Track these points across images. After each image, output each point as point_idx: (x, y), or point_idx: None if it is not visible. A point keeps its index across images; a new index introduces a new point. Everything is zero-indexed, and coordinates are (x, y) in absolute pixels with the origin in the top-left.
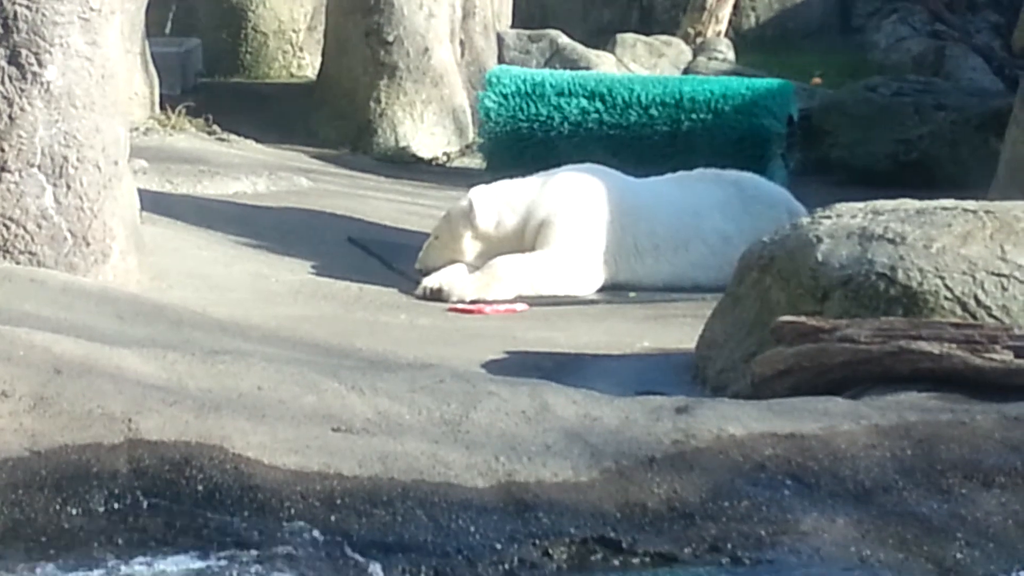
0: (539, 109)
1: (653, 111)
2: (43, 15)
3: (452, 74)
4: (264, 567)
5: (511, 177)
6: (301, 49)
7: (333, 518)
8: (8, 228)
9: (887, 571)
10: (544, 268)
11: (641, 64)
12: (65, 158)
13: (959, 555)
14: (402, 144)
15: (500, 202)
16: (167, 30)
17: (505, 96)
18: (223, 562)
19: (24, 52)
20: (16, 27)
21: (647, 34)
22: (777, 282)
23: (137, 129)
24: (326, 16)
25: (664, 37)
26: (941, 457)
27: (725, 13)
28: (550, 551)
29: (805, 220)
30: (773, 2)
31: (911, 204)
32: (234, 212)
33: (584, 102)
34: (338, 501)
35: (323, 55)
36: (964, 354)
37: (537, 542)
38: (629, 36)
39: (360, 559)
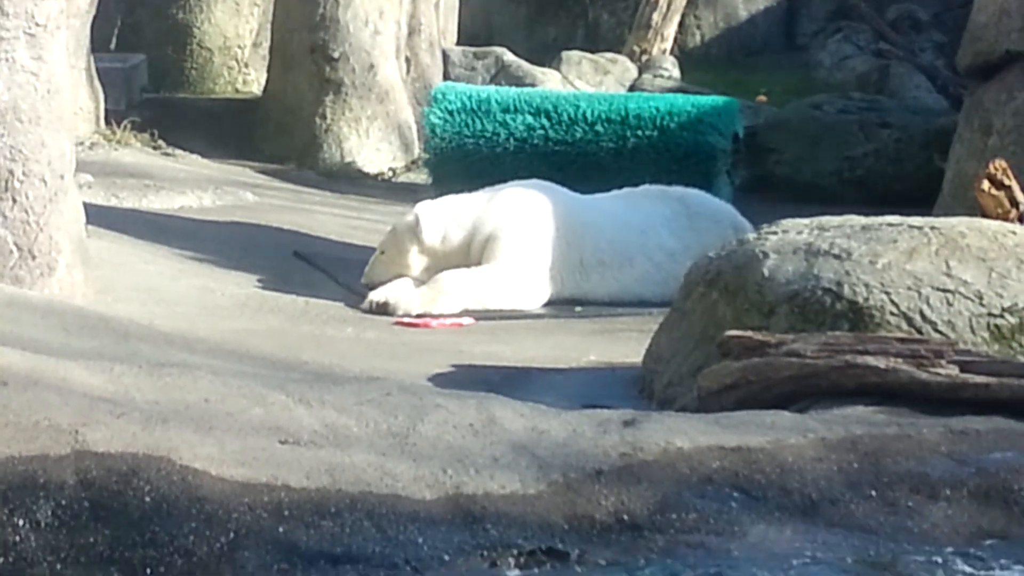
0: (485, 125)
1: (599, 128)
2: None
3: (398, 90)
4: None
5: (457, 192)
6: (246, 65)
7: (281, 529)
8: None
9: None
10: (490, 282)
11: (587, 81)
12: (11, 172)
13: (906, 567)
14: (348, 159)
15: (446, 217)
16: (112, 46)
17: (451, 112)
18: None
19: None
20: None
21: (592, 51)
22: (723, 297)
23: (83, 144)
24: (271, 32)
25: (609, 55)
26: (888, 470)
27: (670, 31)
28: (498, 562)
29: (751, 236)
30: (718, 20)
31: (857, 220)
32: (180, 226)
33: (530, 119)
34: (286, 513)
35: (268, 71)
36: (910, 368)
37: (485, 553)
38: (575, 53)
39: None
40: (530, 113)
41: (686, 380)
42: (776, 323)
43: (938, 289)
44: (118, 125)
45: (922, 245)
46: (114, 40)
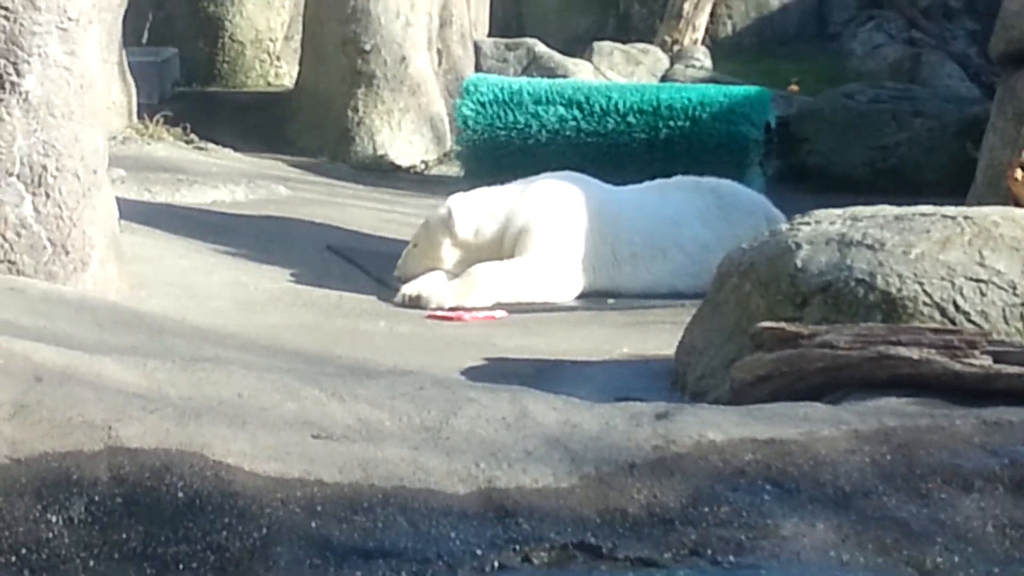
0: (517, 117)
1: (631, 119)
2: (21, 25)
3: (430, 83)
4: None
5: (489, 185)
6: (278, 58)
7: (313, 524)
8: None
9: (867, 575)
10: (523, 275)
11: (618, 72)
12: (44, 167)
13: (939, 559)
14: (380, 152)
15: (479, 210)
16: (144, 40)
17: (483, 104)
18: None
19: (2, 62)
20: None
21: (624, 42)
22: (756, 288)
23: (115, 138)
24: (303, 25)
25: (641, 45)
26: (921, 462)
27: (702, 21)
28: (530, 557)
29: (784, 227)
30: (750, 10)
31: (890, 210)
32: (213, 220)
33: (562, 110)
34: (319, 508)
35: (300, 64)
36: (943, 359)
37: (517, 548)
38: (606, 44)
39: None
40: (562, 104)
41: (719, 372)
42: (809, 314)
43: (971, 279)
44: (150, 119)
45: (955, 235)
46: (146, 34)
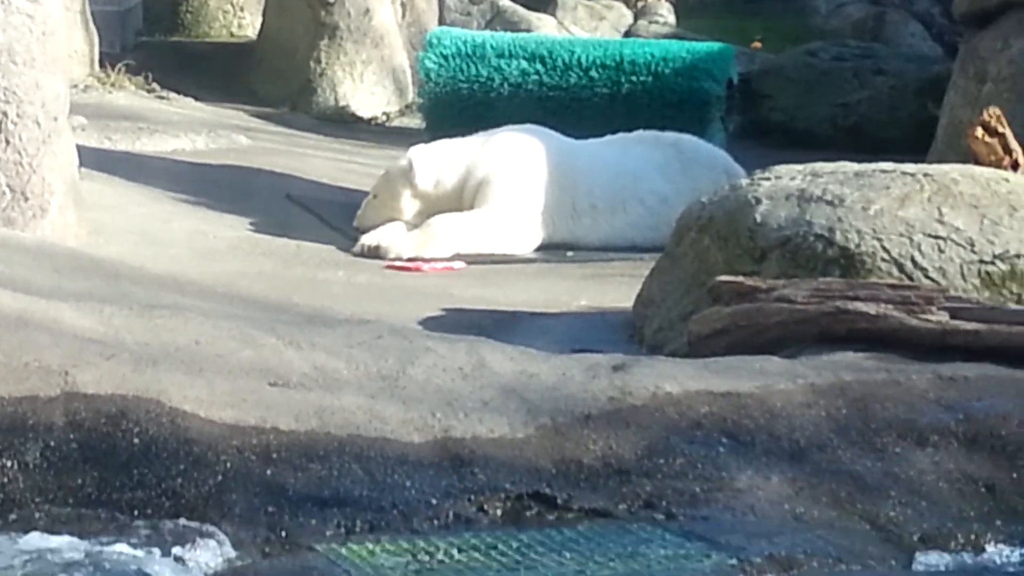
0: (479, 70)
1: (593, 73)
2: None
3: (393, 35)
4: (201, 525)
5: (450, 137)
6: (242, 8)
7: (269, 472)
8: None
9: (820, 528)
10: (482, 227)
11: (582, 27)
12: (4, 114)
13: (892, 513)
14: (342, 103)
15: (439, 161)
16: None
17: (445, 57)
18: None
19: None
20: None
21: None
22: (715, 242)
23: (76, 86)
24: None
25: (605, 1)
26: (876, 416)
27: None
28: (485, 507)
29: (744, 182)
30: None
31: (850, 167)
32: (173, 169)
33: (524, 64)
34: (274, 455)
35: (264, 14)
36: (900, 315)
37: (472, 497)
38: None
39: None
40: (525, 58)
41: (676, 325)
42: (767, 269)
43: (930, 236)
44: (112, 68)
45: (915, 192)
46: None
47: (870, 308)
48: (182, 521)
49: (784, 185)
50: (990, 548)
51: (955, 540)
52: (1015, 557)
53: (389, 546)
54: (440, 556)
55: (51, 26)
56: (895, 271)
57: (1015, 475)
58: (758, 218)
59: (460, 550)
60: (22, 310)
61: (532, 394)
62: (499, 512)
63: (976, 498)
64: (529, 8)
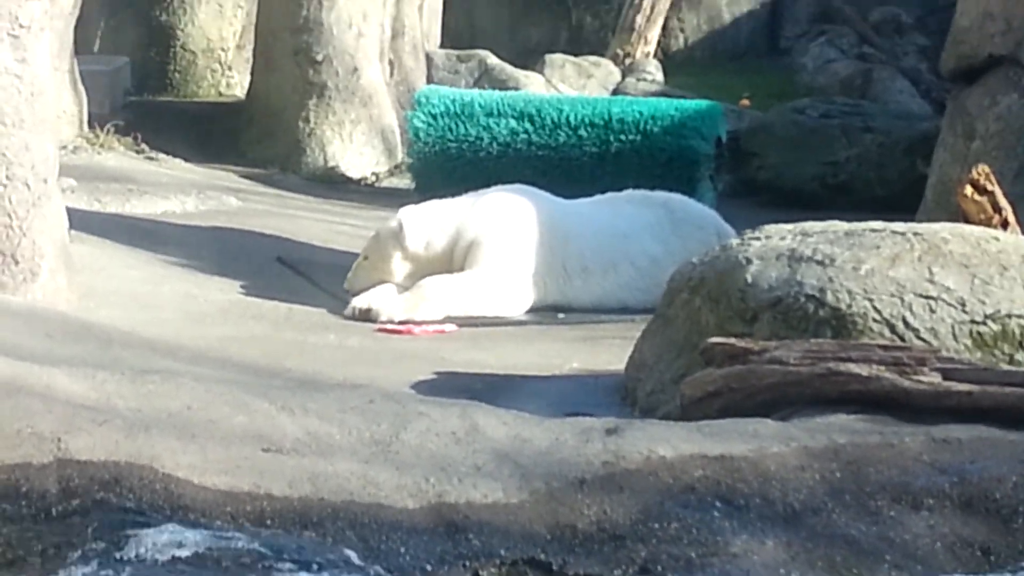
0: (468, 129)
1: (582, 132)
2: None
3: (381, 94)
4: None
5: (440, 197)
6: (230, 68)
7: (264, 536)
8: None
9: None
10: (473, 289)
11: (570, 85)
12: None
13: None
14: (331, 164)
15: (429, 222)
16: (95, 48)
17: (434, 116)
18: None
19: None
20: None
21: (576, 54)
22: (706, 303)
23: (66, 147)
24: (255, 35)
25: (593, 58)
26: (870, 479)
27: (654, 34)
28: (480, 572)
29: (734, 241)
30: (702, 24)
31: (840, 226)
32: (163, 231)
33: (513, 122)
34: (268, 521)
35: (252, 74)
36: (893, 376)
37: (467, 563)
38: (558, 56)
39: None
40: (513, 117)
41: (669, 387)
42: (759, 330)
43: (921, 296)
44: (101, 129)
45: (905, 251)
46: (97, 42)
47: (862, 369)
48: None
49: (774, 245)
50: None
51: None
52: None
53: None
54: None
55: (39, 86)
56: (887, 332)
57: (1010, 538)
58: (749, 279)
59: None
60: (14, 375)
61: (526, 459)
62: None
63: (972, 562)
64: (517, 66)
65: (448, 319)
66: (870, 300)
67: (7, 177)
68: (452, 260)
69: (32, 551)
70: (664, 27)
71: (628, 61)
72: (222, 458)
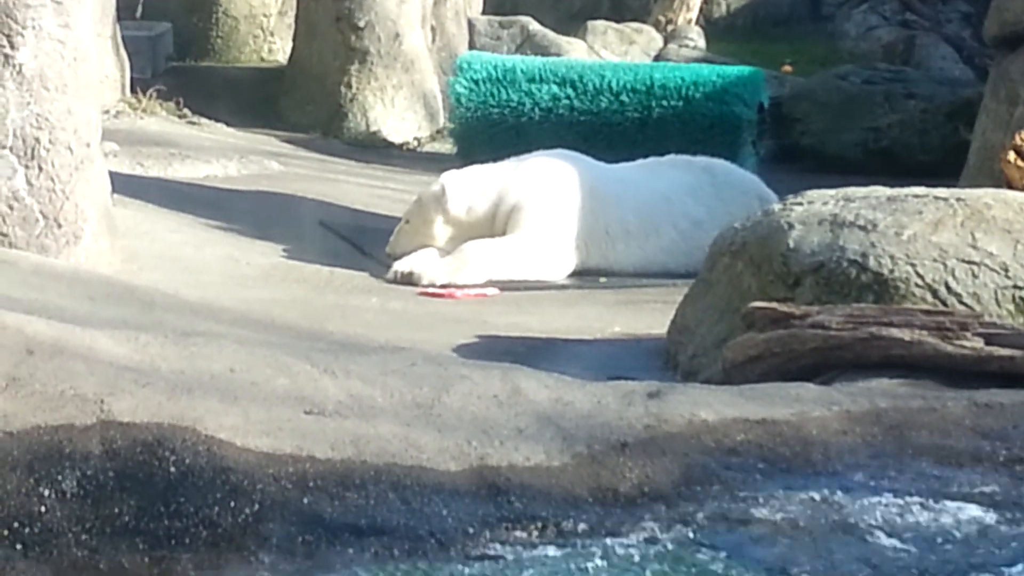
0: (510, 95)
1: (624, 98)
2: None
3: (423, 59)
4: (239, 554)
5: (482, 163)
6: (272, 34)
7: (305, 501)
8: None
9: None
10: (515, 253)
11: (612, 51)
12: (37, 140)
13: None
14: (373, 129)
15: (472, 187)
16: (138, 14)
17: (476, 82)
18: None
19: None
20: None
21: (618, 21)
22: (748, 268)
23: (108, 112)
24: (297, 1)
25: (635, 24)
26: (912, 443)
27: (696, 1)
28: (521, 535)
29: (776, 207)
30: None
31: (882, 191)
32: (205, 195)
33: (555, 88)
34: (311, 484)
35: (294, 40)
36: (935, 341)
37: (509, 526)
38: (600, 23)
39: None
40: (555, 83)
41: (711, 351)
42: (801, 294)
43: (963, 261)
44: (143, 93)
45: (948, 216)
46: (140, 8)
47: (904, 334)
48: None
49: (817, 210)
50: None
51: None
52: None
53: (426, 575)
54: None
55: (82, 52)
56: (929, 297)
57: None
58: (791, 244)
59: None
60: (57, 338)
61: (567, 422)
62: (537, 539)
63: (1014, 524)
64: (559, 32)
65: (490, 283)
66: (912, 265)
67: (50, 141)
68: (494, 224)
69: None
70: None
71: (670, 27)
72: (264, 420)
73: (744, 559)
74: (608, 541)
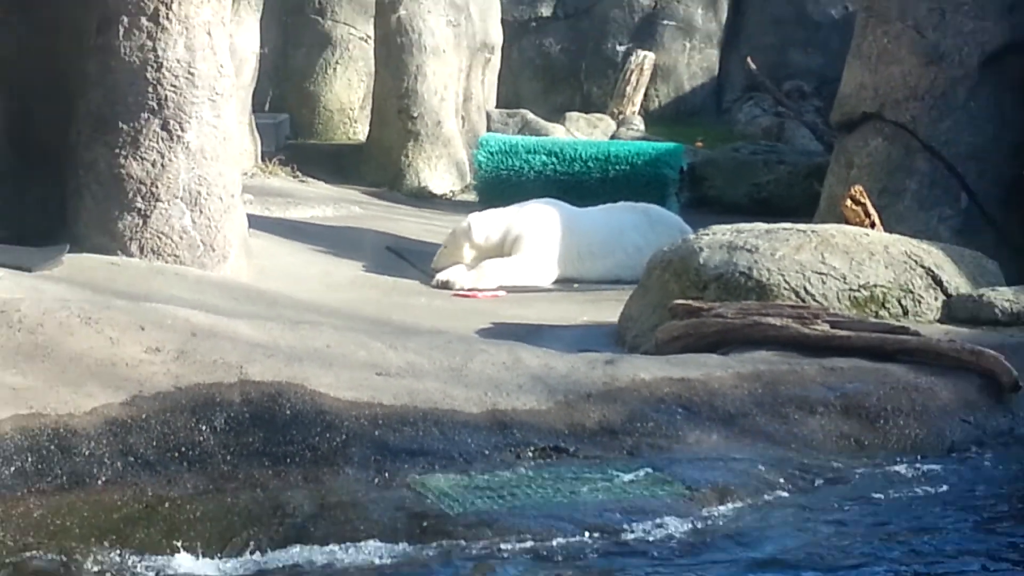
0: (514, 162)
1: (590, 163)
2: (184, 97)
3: (456, 139)
4: (332, 468)
5: (496, 207)
6: (356, 121)
7: (376, 433)
8: (161, 239)
9: (742, 475)
10: (518, 268)
11: (582, 132)
12: (199, 192)
13: (793, 458)
14: (422, 185)
15: (489, 223)
16: (266, 107)
17: (491, 153)
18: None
19: (172, 122)
20: (167, 105)
21: (586, 112)
22: (672, 277)
23: (246, 174)
24: (372, 99)
25: (598, 115)
26: (781, 394)
27: (638, 98)
28: (520, 456)
29: (691, 236)
30: (670, 91)
31: (762, 226)
32: (310, 230)
33: (544, 158)
34: (380, 422)
35: (370, 125)
36: (797, 326)
37: (512, 450)
38: (574, 114)
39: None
40: (544, 154)
41: (647, 333)
42: (708, 295)
43: (816, 272)
44: (269, 162)
45: (806, 243)
46: (267, 104)
47: (776, 321)
48: None
49: (718, 239)
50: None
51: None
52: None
53: (456, 480)
54: (488, 483)
55: (229, 133)
56: (793, 297)
57: (875, 434)
58: (701, 261)
59: (501, 480)
60: (212, 325)
61: (551, 380)
62: (530, 459)
63: (849, 449)
64: (547, 120)
65: (500, 288)
66: (782, 275)
67: (207, 193)
68: (503, 249)
69: (206, 460)
70: (645, 94)
71: (621, 116)
72: (349, 379)
73: (665, 471)
74: (578, 459)
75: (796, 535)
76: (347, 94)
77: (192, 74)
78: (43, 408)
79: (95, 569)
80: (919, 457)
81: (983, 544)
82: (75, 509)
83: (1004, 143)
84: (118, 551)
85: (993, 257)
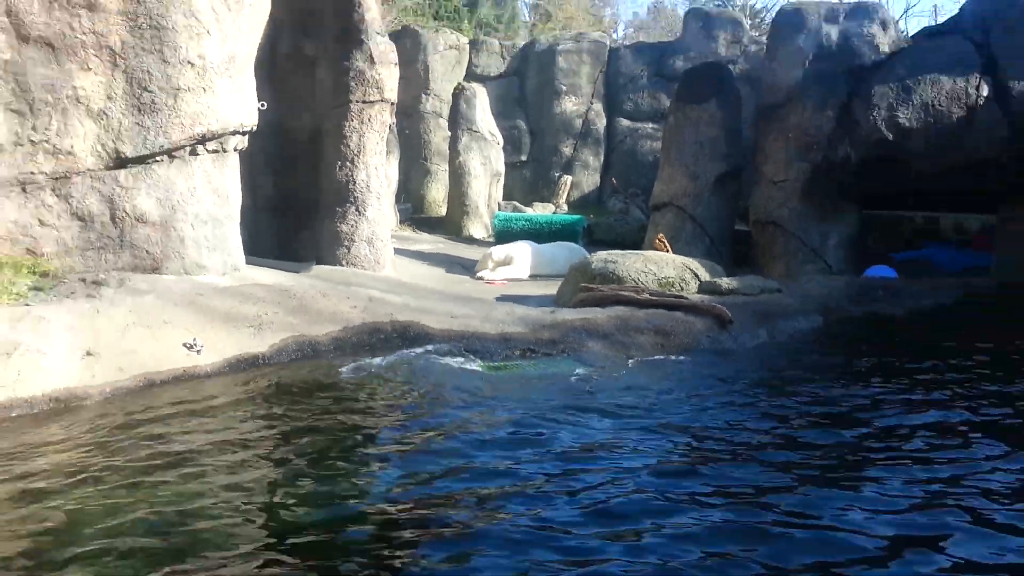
0: (511, 224)
1: (544, 225)
2: (366, 196)
3: (486, 215)
4: (430, 353)
5: (502, 244)
6: (441, 206)
7: (450, 343)
8: (356, 259)
9: (611, 359)
10: (512, 270)
11: (540, 211)
12: (372, 237)
13: (632, 352)
14: (470, 234)
15: (499, 251)
16: (401, 200)
17: (500, 220)
18: (417, 350)
19: (361, 207)
20: (359, 200)
21: (542, 202)
22: (580, 274)
23: (393, 230)
24: (449, 197)
25: (547, 203)
26: (629, 326)
27: (564, 197)
28: (515, 353)
29: (589, 256)
30: (578, 193)
31: (619, 252)
32: (423, 255)
33: (524, 222)
34: (453, 338)
35: (447, 208)
36: (631, 294)
37: (511, 351)
38: (538, 203)
39: (465, 353)
40: (524, 220)
41: (569, 299)
42: (596, 282)
43: (643, 271)
44: (401, 224)
45: (639, 259)
46: (401, 198)
47: (625, 293)
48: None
49: (601, 257)
50: (660, 358)
51: (651, 358)
52: (664, 358)
53: (487, 363)
54: (501, 365)
55: (386, 212)
56: (632, 282)
57: (670, 342)
58: (593, 266)
59: (507, 364)
60: (380, 296)
61: (528, 320)
62: (518, 355)
63: (658, 348)
64: (524, 205)
65: (505, 279)
66: (628, 273)
67: (376, 238)
68: (506, 262)
69: (376, 350)
70: (567, 195)
71: (557, 205)
72: (439, 321)
73: (578, 363)
74: (539, 354)
75: (635, 379)
76: (436, 194)
77: (368, 186)
78: (305, 332)
79: (337, 363)
80: (687, 353)
81: (713, 389)
82: (320, 366)
83: (724, 217)
84: (350, 358)
85: (718, 264)
